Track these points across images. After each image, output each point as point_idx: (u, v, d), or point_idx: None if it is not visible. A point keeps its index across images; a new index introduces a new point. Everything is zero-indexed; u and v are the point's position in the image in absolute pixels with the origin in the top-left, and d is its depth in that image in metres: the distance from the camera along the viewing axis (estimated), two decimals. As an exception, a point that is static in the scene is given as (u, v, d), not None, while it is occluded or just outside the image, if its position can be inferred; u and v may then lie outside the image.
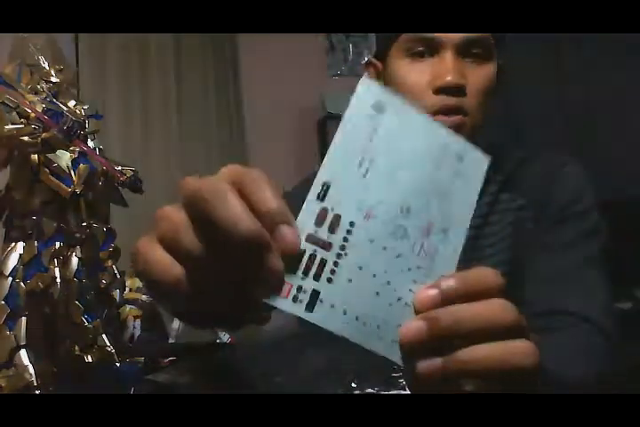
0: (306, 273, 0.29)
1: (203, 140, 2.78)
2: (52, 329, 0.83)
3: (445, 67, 0.66)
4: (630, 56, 3.16)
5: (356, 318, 0.30)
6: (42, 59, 0.91)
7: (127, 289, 0.97)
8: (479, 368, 0.31)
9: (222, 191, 0.28)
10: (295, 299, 0.29)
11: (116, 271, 0.92)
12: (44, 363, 0.79)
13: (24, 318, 0.79)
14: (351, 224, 0.31)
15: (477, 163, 0.36)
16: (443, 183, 0.34)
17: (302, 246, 0.29)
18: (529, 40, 3.07)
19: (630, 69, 3.14)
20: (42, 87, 0.89)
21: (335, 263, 0.30)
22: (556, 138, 3.01)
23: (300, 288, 0.29)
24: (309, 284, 0.29)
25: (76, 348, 0.84)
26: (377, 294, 0.31)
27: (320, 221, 0.30)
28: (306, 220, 0.30)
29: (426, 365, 0.31)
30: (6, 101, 0.82)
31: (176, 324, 1.03)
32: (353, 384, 0.48)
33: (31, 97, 0.85)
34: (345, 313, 0.30)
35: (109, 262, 0.92)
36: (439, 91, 0.67)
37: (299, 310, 0.29)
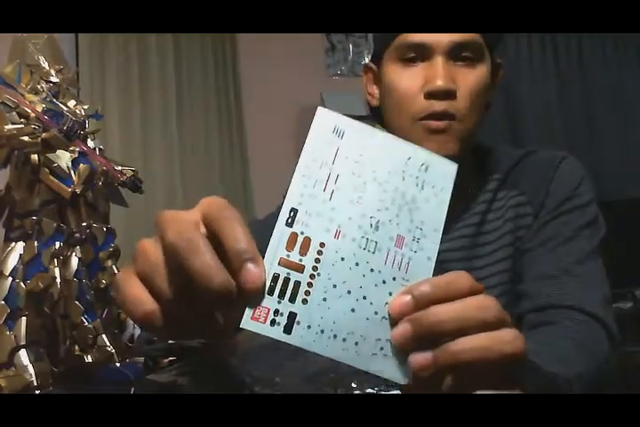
0: (281, 296, 0.31)
1: (203, 140, 2.77)
2: (52, 329, 0.83)
3: (435, 72, 0.67)
4: (631, 56, 3.16)
5: (335, 337, 0.31)
6: (42, 59, 0.91)
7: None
8: (470, 358, 0.31)
9: (195, 243, 0.30)
10: (273, 323, 0.30)
11: (115, 271, 0.92)
12: (43, 363, 0.79)
13: (24, 318, 0.79)
14: (321, 245, 0.32)
15: (444, 170, 0.37)
16: (410, 195, 0.35)
17: (276, 271, 0.31)
18: (529, 39, 3.08)
19: (630, 69, 3.14)
20: (42, 87, 0.89)
21: (309, 284, 0.32)
22: (556, 138, 3.01)
23: (276, 312, 0.31)
24: (286, 307, 0.31)
25: (76, 348, 0.84)
26: (353, 310, 0.32)
27: (291, 245, 0.32)
28: (277, 245, 0.31)
29: (418, 358, 0.32)
30: (6, 101, 0.82)
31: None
32: (353, 384, 0.48)
33: (31, 97, 0.85)
34: (323, 332, 0.31)
35: (109, 262, 0.92)
36: (429, 95, 0.68)
37: (277, 334, 0.30)
